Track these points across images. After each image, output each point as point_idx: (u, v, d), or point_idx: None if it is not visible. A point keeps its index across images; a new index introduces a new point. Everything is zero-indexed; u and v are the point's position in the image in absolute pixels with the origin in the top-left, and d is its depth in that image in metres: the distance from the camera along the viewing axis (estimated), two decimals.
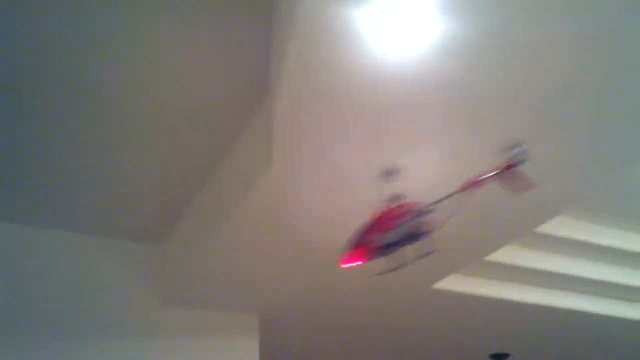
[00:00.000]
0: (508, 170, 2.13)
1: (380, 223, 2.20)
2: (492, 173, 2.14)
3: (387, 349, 4.81)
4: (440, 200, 2.17)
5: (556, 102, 2.24)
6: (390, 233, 2.16)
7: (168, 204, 3.52)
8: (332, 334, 4.52)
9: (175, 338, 3.81)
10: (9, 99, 2.65)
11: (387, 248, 2.20)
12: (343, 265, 2.24)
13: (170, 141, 3.01)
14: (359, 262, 2.23)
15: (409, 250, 2.20)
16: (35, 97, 2.66)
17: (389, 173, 2.31)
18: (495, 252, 3.51)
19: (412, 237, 2.17)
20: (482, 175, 2.15)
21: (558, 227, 3.52)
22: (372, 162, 2.51)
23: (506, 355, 4.83)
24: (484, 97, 2.19)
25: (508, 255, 3.69)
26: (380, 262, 2.26)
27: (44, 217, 3.60)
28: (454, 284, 3.83)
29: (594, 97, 2.24)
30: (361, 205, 2.63)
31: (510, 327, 4.47)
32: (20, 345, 3.35)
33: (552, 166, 2.61)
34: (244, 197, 2.85)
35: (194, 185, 3.36)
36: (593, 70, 2.10)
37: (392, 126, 2.32)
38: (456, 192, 2.17)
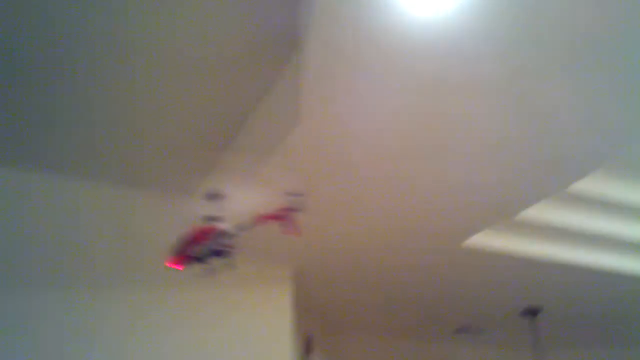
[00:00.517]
0: (286, 213, 2.62)
1: (195, 237, 2.60)
2: (275, 212, 2.62)
3: (416, 305, 4.86)
4: (239, 228, 2.63)
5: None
6: (202, 247, 2.58)
7: (198, 157, 3.58)
8: (363, 290, 4.58)
9: (207, 289, 3.91)
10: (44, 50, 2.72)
11: (199, 259, 2.62)
12: (168, 265, 2.63)
13: (198, 95, 3.05)
14: (179, 268, 2.64)
15: (216, 262, 2.64)
16: (66, 50, 2.72)
17: (212, 196, 2.74)
18: (527, 210, 3.50)
19: (217, 253, 2.61)
20: (268, 213, 2.61)
21: (590, 185, 3.47)
22: (405, 106, 2.54)
23: (538, 310, 4.83)
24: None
25: (541, 213, 3.67)
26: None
27: (76, 168, 3.70)
28: (485, 241, 3.84)
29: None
30: (390, 156, 2.67)
31: (541, 284, 4.46)
32: (58, 293, 3.51)
33: (586, 122, 2.58)
34: (274, 150, 2.90)
35: (224, 138, 3.41)
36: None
37: (424, 72, 2.34)
38: (249, 224, 2.64)
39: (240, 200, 2.73)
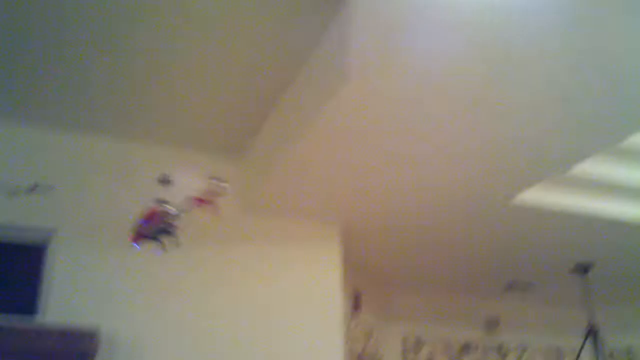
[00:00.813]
0: (211, 197, 2.88)
1: (146, 218, 2.86)
2: (202, 196, 2.88)
3: (465, 261, 4.84)
4: (179, 211, 2.86)
5: None
6: (152, 226, 2.85)
7: (247, 115, 3.60)
8: (412, 247, 4.58)
9: (257, 246, 3.98)
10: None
11: (151, 237, 2.88)
12: (130, 241, 2.88)
13: (242, 52, 3.05)
14: (136, 245, 2.89)
15: (165, 240, 2.89)
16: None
17: (163, 181, 2.92)
18: (579, 165, 3.43)
19: (164, 232, 2.86)
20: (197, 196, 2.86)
21: None
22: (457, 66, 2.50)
23: (589, 266, 4.77)
24: None
25: (593, 168, 3.60)
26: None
27: (126, 129, 3.78)
28: (536, 197, 3.79)
29: None
30: (440, 113, 2.65)
31: (593, 241, 4.40)
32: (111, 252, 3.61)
33: None
34: (323, 108, 2.89)
35: (272, 96, 3.42)
36: None
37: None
38: (186, 208, 2.87)
39: (186, 185, 2.96)
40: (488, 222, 4.12)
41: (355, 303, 4.79)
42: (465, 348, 5.51)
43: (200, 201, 2.93)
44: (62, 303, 3.50)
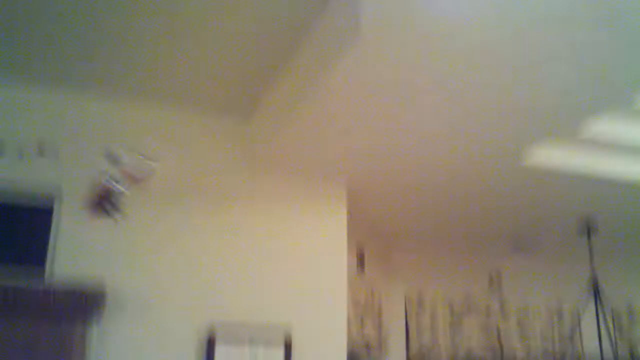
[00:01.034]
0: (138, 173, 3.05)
1: (97, 192, 3.05)
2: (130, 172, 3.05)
3: (472, 221, 4.84)
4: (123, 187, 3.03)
5: None
6: (101, 200, 3.04)
7: (254, 76, 3.56)
8: (417, 206, 4.58)
9: (263, 205, 3.98)
10: None
11: (102, 210, 3.07)
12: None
13: (256, 10, 2.99)
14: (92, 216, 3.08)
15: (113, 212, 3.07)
16: None
17: (110, 157, 3.07)
18: (588, 125, 3.41)
19: (111, 205, 3.06)
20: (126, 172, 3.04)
21: None
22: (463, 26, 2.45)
23: (595, 226, 4.78)
24: None
25: (601, 127, 3.57)
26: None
27: (132, 90, 3.74)
28: (544, 157, 3.76)
29: None
30: (449, 73, 2.61)
31: (599, 200, 4.38)
32: None
33: None
34: (332, 67, 2.85)
35: (280, 57, 3.37)
36: None
37: None
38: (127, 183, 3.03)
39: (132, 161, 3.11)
40: (495, 181, 4.09)
41: (360, 262, 4.81)
42: (469, 306, 5.56)
43: (129, 177, 3.10)
44: (69, 262, 3.52)
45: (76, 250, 3.56)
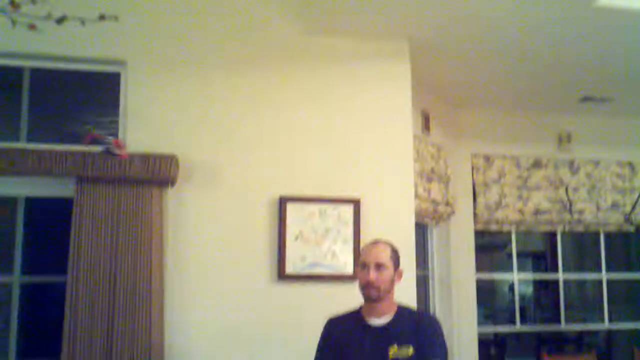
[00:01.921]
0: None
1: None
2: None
3: (539, 74, 4.65)
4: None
5: None
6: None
7: None
8: (483, 62, 4.42)
9: (323, 68, 3.95)
10: None
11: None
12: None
13: None
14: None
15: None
16: None
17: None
18: None
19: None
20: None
21: None
22: None
23: None
24: None
25: None
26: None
27: None
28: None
29: None
30: None
31: None
32: None
33: None
34: None
35: None
36: None
37: None
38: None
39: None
40: (567, 27, 3.88)
41: (425, 123, 4.78)
42: (536, 164, 5.50)
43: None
44: (138, 133, 3.63)
45: (146, 117, 3.66)
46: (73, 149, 3.44)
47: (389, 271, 2.75)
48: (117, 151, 3.41)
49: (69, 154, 3.38)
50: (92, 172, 3.37)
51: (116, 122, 3.69)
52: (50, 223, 3.83)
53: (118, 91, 3.72)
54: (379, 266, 2.72)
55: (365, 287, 2.73)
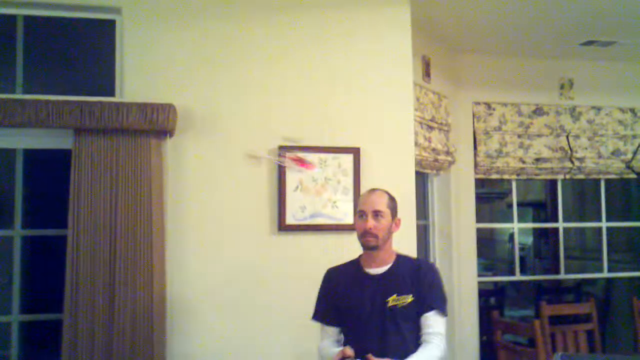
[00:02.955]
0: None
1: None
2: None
3: (540, 20, 4.56)
4: None
5: None
6: None
7: None
8: (482, 8, 4.32)
9: (322, 13, 3.87)
10: None
11: None
12: None
13: None
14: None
15: None
16: None
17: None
18: None
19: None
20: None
21: None
22: None
23: None
24: None
25: None
26: None
27: None
28: None
29: None
30: None
31: None
32: None
33: None
34: None
35: None
36: None
37: None
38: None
39: None
40: None
41: (425, 69, 4.71)
42: (538, 111, 5.45)
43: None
44: (134, 82, 3.58)
45: (143, 66, 3.61)
46: (70, 100, 3.38)
47: (386, 219, 2.74)
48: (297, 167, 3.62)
49: (66, 104, 3.33)
50: (89, 123, 3.33)
51: (112, 71, 3.63)
52: (49, 175, 3.81)
53: (114, 39, 3.64)
54: (376, 214, 2.72)
55: (364, 235, 2.73)
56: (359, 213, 2.76)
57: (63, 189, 3.38)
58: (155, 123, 3.39)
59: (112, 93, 3.60)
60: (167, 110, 3.41)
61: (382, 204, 2.75)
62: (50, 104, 3.32)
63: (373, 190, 2.82)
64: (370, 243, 2.73)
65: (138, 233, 3.35)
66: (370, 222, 2.71)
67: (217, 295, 3.58)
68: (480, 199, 5.57)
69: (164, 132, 3.47)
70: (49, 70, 3.73)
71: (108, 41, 3.64)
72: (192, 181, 3.60)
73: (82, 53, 3.76)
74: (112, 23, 3.64)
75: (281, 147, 3.69)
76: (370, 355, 2.52)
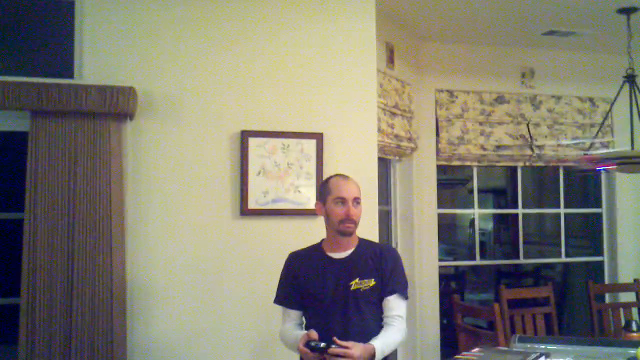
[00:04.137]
0: None
1: None
2: None
3: (502, 9, 4.61)
4: None
5: None
6: None
7: None
8: (451, 3, 4.35)
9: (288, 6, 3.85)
10: None
11: None
12: None
13: None
14: None
15: None
16: None
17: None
18: None
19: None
20: None
21: None
22: None
23: (635, 9, 4.52)
24: None
25: None
26: None
27: None
28: None
29: None
30: None
31: None
32: None
33: None
34: None
35: None
36: None
37: None
38: None
39: None
40: None
41: (389, 56, 4.72)
42: (499, 99, 5.52)
43: None
44: (94, 64, 3.51)
45: (102, 48, 3.55)
46: (27, 81, 3.31)
47: (361, 206, 2.78)
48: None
49: (23, 85, 3.26)
50: (47, 105, 3.26)
51: (72, 53, 3.55)
52: (5, 158, 3.73)
53: (73, 20, 3.56)
54: (357, 201, 2.75)
55: (344, 222, 2.73)
56: (337, 200, 2.74)
57: (20, 172, 3.30)
58: (115, 106, 3.34)
59: (71, 75, 3.52)
60: (128, 93, 3.36)
61: (359, 192, 2.79)
62: (6, 85, 3.24)
63: (345, 176, 2.83)
64: (350, 230, 2.75)
65: (97, 217, 3.31)
66: (353, 210, 2.73)
67: (179, 279, 3.57)
68: (441, 185, 5.62)
69: (124, 115, 3.42)
70: (6, 51, 3.64)
71: (67, 22, 3.56)
72: (153, 165, 3.56)
73: (41, 34, 3.67)
74: (71, 3, 3.56)
75: (243, 132, 3.66)
76: (335, 339, 2.54)
